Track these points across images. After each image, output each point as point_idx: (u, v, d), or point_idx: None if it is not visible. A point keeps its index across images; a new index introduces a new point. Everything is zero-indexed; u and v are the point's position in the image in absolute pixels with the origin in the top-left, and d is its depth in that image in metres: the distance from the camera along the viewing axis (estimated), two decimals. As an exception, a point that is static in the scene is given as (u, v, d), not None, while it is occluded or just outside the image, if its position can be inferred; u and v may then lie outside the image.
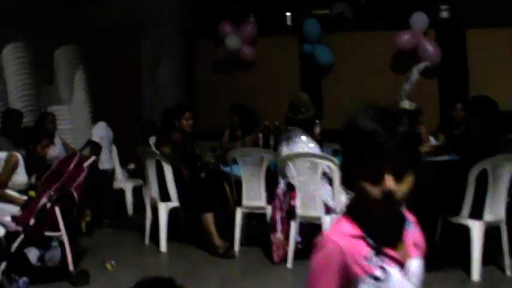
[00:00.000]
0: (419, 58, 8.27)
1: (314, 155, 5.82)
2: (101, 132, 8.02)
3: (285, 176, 5.98)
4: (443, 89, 8.54)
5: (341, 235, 1.86)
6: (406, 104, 7.37)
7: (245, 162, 6.37)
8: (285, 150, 6.03)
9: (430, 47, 8.28)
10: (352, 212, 1.90)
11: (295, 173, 5.84)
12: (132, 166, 8.44)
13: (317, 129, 6.15)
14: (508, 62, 8.27)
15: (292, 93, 8.95)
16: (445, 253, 5.56)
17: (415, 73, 7.52)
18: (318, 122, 6.16)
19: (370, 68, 8.77)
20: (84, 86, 9.05)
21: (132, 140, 8.37)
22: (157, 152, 6.72)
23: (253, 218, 6.95)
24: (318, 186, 5.78)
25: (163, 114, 7.26)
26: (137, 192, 8.07)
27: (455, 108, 7.49)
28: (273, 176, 6.47)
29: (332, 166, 5.75)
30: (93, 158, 6.03)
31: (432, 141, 7.44)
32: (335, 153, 6.65)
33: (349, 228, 1.86)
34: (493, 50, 8.30)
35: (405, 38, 8.30)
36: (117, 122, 8.74)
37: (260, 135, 8.17)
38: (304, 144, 5.94)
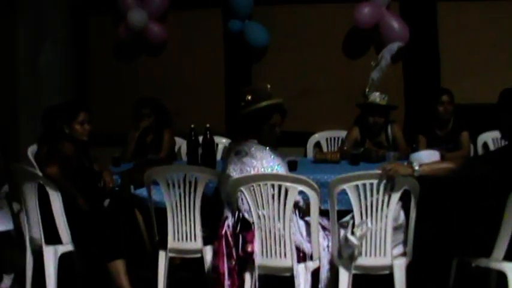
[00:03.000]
0: (381, 38, 6.60)
1: (282, 178, 3.98)
2: None
3: (235, 209, 4.13)
4: (409, 77, 6.89)
5: None
6: (376, 97, 5.75)
7: (170, 184, 4.49)
8: (235, 169, 4.18)
9: (395, 24, 6.60)
10: None
11: (252, 204, 4.01)
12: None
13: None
14: (488, 42, 6.71)
15: (215, 83, 7.33)
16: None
17: (386, 57, 5.94)
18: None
19: (318, 51, 7.08)
20: None
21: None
22: (40, 173, 4.70)
23: (184, 268, 5.10)
24: (287, 223, 3.97)
25: (45, 117, 5.24)
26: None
27: (441, 102, 5.86)
28: (212, 204, 4.66)
29: (310, 193, 3.96)
30: None
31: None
32: (290, 167, 4.87)
33: None
34: (469, 27, 6.73)
35: (364, 11, 6.57)
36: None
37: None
38: (266, 159, 4.11)
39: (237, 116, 4.21)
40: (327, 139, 6.89)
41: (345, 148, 5.82)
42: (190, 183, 4.45)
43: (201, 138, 5.37)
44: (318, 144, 6.89)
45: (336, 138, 6.82)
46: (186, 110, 7.25)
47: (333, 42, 6.99)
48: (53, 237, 4.75)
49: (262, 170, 4.06)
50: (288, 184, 3.92)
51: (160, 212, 4.63)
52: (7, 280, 5.29)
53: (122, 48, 7.68)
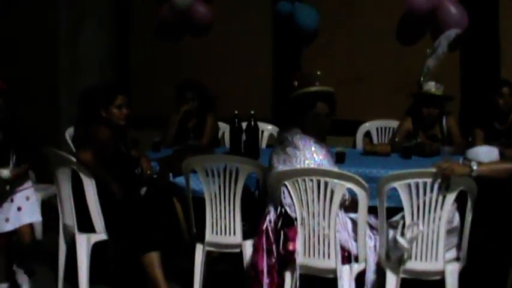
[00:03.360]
0: (438, 24, 6.25)
1: (328, 173, 3.71)
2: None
3: (278, 203, 3.88)
4: (466, 66, 6.52)
5: None
6: (431, 87, 5.42)
7: (210, 174, 4.26)
8: (278, 160, 3.94)
9: (452, 9, 6.23)
10: None
11: (295, 199, 3.75)
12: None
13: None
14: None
15: (262, 67, 7.05)
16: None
17: (443, 44, 5.58)
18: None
19: (370, 36, 6.72)
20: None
21: (45, 132, 6.26)
22: (73, 158, 4.51)
23: (222, 261, 4.89)
24: (333, 222, 3.71)
25: (82, 98, 5.02)
26: (49, 206, 5.80)
27: (501, 94, 5.51)
28: (254, 198, 4.44)
29: (358, 191, 3.69)
30: None
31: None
32: (338, 159, 4.62)
33: None
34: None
35: (421, -5, 6.23)
36: (25, 107, 6.67)
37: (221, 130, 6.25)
38: (308, 151, 3.85)
39: (283, 102, 3.96)
40: (377, 129, 6.57)
41: (396, 140, 5.52)
42: (231, 174, 4.22)
43: (245, 125, 5.14)
44: (368, 134, 6.58)
45: (387, 129, 6.50)
46: (230, 94, 6.98)
47: (386, 27, 6.63)
48: (86, 225, 4.58)
49: (306, 162, 3.79)
50: (334, 181, 3.65)
51: (200, 202, 4.40)
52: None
53: (165, 29, 7.44)
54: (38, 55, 7.39)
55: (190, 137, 5.83)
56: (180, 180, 4.63)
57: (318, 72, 3.98)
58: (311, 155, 3.80)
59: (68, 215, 4.67)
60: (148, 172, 4.90)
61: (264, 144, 6.20)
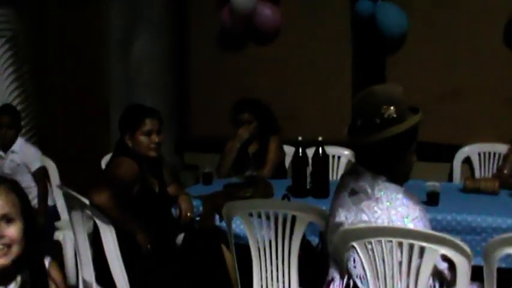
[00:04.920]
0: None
1: (415, 234, 2.63)
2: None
3: (344, 271, 2.83)
4: None
5: None
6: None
7: (256, 223, 3.31)
8: (348, 215, 2.84)
9: None
10: None
11: (369, 269, 2.69)
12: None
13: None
14: None
15: (339, 80, 6.04)
16: None
17: None
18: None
19: (470, 41, 5.56)
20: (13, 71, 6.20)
21: (98, 154, 5.44)
22: (86, 201, 3.59)
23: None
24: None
25: (120, 120, 4.13)
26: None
27: None
28: (315, 252, 3.44)
29: (457, 258, 2.60)
30: None
31: None
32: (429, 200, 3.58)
33: None
34: None
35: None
36: (67, 122, 6.60)
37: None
38: (396, 208, 2.72)
39: (366, 139, 2.76)
40: (479, 154, 5.42)
41: (505, 172, 4.41)
42: (284, 223, 3.23)
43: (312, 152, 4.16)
44: (467, 160, 5.46)
45: (492, 154, 5.36)
46: (301, 112, 6.09)
47: (489, 30, 5.46)
48: (107, 281, 3.66)
49: (390, 223, 2.71)
50: (424, 245, 2.58)
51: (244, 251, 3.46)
52: None
53: (226, 36, 6.49)
54: (88, 66, 6.77)
55: (250, 165, 4.85)
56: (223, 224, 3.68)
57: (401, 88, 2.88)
58: (400, 214, 2.69)
59: (86, 267, 3.78)
60: (188, 214, 3.99)
61: (339, 174, 5.18)
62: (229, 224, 3.40)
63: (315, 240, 3.61)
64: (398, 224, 2.64)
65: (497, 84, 5.46)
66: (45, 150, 5.48)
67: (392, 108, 2.71)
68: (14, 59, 6.16)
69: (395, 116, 2.71)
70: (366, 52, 5.96)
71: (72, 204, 3.74)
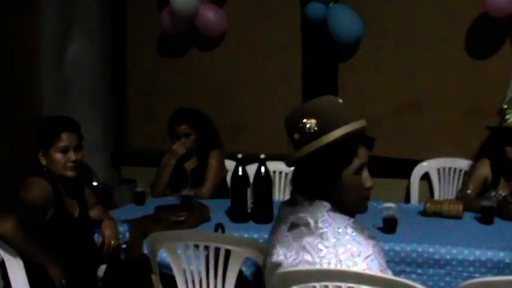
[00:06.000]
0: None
1: (374, 279, 2.17)
2: None
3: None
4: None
5: None
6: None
7: (184, 259, 2.89)
8: (287, 254, 2.35)
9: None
10: None
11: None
12: None
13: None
14: None
15: (288, 90, 5.67)
16: None
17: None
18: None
19: (429, 47, 5.20)
20: None
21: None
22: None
23: None
24: None
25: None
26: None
27: None
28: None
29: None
30: None
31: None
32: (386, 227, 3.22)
33: None
34: None
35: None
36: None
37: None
38: (345, 245, 2.23)
39: (290, 158, 2.38)
40: (438, 170, 5.06)
41: (468, 192, 4.04)
42: (216, 257, 2.79)
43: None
44: (426, 176, 5.09)
45: (452, 170, 5.01)
46: (246, 124, 5.73)
47: (451, 35, 5.10)
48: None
49: (338, 264, 2.26)
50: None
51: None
52: None
53: (166, 41, 6.06)
54: (19, 74, 6.20)
55: (186, 183, 4.39)
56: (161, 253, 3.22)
57: (340, 100, 2.46)
58: (348, 254, 2.24)
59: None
60: (112, 242, 3.52)
61: (286, 194, 4.79)
62: (153, 257, 2.95)
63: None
64: (348, 264, 2.20)
65: (459, 95, 5.12)
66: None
67: (312, 120, 2.32)
68: None
69: (316, 129, 2.31)
70: (317, 59, 5.57)
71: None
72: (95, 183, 4.74)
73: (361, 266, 2.20)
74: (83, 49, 6.12)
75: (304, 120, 2.31)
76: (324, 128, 2.30)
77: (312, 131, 2.30)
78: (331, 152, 2.29)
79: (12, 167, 6.12)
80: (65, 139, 3.31)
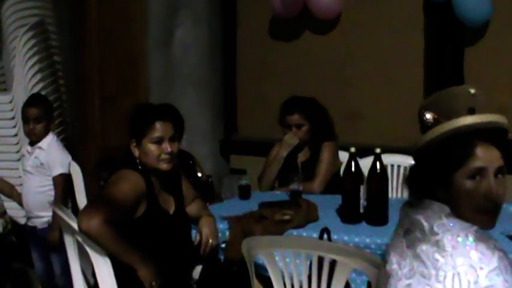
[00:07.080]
0: None
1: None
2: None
3: None
4: None
5: None
6: None
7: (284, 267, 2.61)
8: (401, 263, 1.97)
9: None
10: None
11: None
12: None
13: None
14: None
15: (408, 76, 5.26)
16: None
17: None
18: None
19: None
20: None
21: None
22: (75, 226, 2.89)
23: None
24: None
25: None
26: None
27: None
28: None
29: None
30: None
31: None
32: None
33: None
34: None
35: None
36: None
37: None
38: (465, 256, 1.84)
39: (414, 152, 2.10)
40: None
41: None
42: (320, 267, 2.47)
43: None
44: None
45: None
46: (362, 113, 5.40)
47: None
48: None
49: (455, 278, 1.90)
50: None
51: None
52: None
53: (278, 25, 5.82)
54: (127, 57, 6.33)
55: (295, 177, 4.08)
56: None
57: (472, 91, 2.09)
58: (468, 266, 1.87)
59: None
60: (210, 241, 3.26)
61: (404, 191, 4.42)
62: (250, 264, 2.66)
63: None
64: (469, 278, 1.82)
65: None
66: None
67: (430, 112, 2.10)
68: (40, 47, 5.58)
69: (432, 122, 2.06)
70: (441, 42, 5.16)
71: (64, 228, 3.06)
72: (198, 174, 4.54)
73: (483, 281, 1.82)
74: (190, 33, 5.99)
75: (423, 111, 2.07)
76: (436, 122, 2.04)
77: (429, 124, 2.04)
78: (440, 150, 1.99)
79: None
80: (159, 129, 3.06)
